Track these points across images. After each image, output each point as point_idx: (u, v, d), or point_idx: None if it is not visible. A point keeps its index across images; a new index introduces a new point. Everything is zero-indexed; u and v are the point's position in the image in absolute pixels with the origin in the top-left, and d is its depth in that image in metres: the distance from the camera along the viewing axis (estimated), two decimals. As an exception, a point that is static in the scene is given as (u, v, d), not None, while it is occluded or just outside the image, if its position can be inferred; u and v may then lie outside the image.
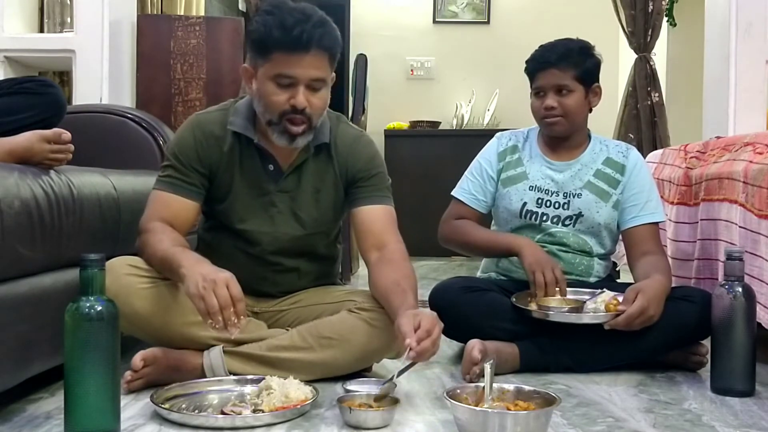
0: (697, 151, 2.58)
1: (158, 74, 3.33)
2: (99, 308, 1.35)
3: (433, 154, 5.31)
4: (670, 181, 2.65)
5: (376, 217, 1.87)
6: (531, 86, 2.16)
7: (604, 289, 1.99)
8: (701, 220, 2.35)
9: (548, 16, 5.60)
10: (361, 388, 1.61)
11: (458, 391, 1.50)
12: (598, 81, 2.16)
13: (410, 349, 1.49)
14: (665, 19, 4.98)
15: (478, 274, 2.33)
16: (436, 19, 5.82)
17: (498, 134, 2.28)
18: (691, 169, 2.53)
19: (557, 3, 5.70)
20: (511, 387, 1.52)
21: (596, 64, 2.14)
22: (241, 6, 5.45)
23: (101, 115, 2.48)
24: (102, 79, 3.18)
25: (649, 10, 4.66)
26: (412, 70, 5.82)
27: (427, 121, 5.55)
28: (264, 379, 1.61)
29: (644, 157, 2.42)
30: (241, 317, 1.55)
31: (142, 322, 1.70)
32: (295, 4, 1.75)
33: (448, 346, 2.22)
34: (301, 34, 1.68)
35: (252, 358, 1.74)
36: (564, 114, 2.11)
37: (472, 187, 2.22)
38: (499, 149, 2.23)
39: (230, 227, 1.89)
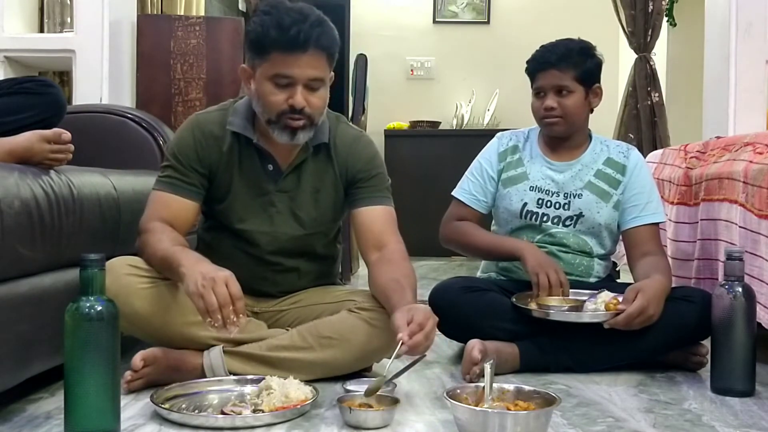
0: (697, 151, 2.58)
1: (158, 74, 3.32)
2: (99, 308, 1.35)
3: (433, 154, 5.31)
4: (670, 181, 2.65)
5: (376, 218, 1.87)
6: (531, 86, 2.16)
7: (604, 289, 1.98)
8: (701, 220, 2.35)
9: (548, 16, 5.60)
10: (361, 388, 1.61)
11: (458, 391, 1.50)
12: (598, 82, 2.15)
13: (402, 343, 1.49)
14: (665, 19, 4.98)
15: (479, 274, 2.33)
16: (436, 19, 5.82)
17: (498, 134, 2.28)
18: (691, 169, 2.53)
19: (557, 3, 5.70)
20: (511, 387, 1.52)
21: (597, 65, 2.13)
22: (241, 6, 5.45)
23: (101, 115, 2.48)
24: (102, 79, 3.18)
25: (649, 10, 4.66)
26: (412, 70, 5.82)
27: (427, 121, 5.55)
28: (264, 379, 1.61)
29: (644, 157, 2.41)
30: (241, 316, 1.55)
31: (142, 322, 1.70)
32: (293, 4, 1.75)
33: (448, 346, 2.23)
34: (299, 34, 1.68)
35: (252, 358, 1.74)
36: (564, 115, 2.11)
37: (473, 187, 2.22)
38: (499, 149, 2.23)
39: (230, 227, 1.89)
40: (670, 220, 2.57)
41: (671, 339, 1.95)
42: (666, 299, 1.91)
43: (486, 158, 2.23)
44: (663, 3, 4.74)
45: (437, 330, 2.06)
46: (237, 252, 1.90)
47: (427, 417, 1.57)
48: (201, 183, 1.84)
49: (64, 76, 3.59)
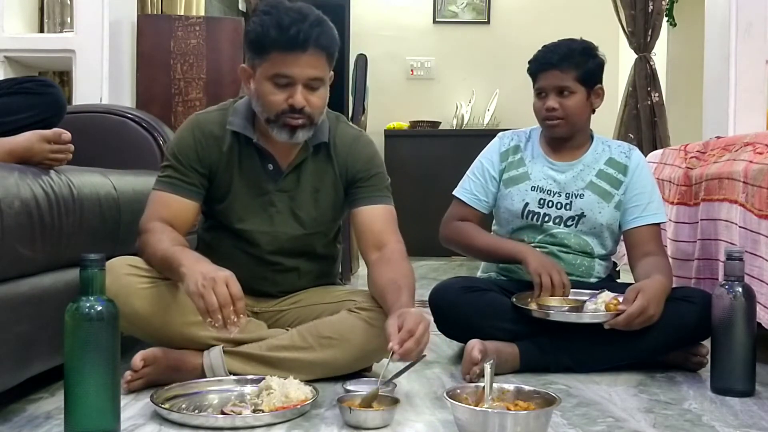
0: (697, 151, 2.58)
1: (158, 74, 3.32)
2: (99, 308, 1.35)
3: (433, 154, 5.31)
4: (670, 181, 2.65)
5: (376, 217, 1.87)
6: (533, 86, 2.15)
7: (605, 289, 1.98)
8: (701, 220, 2.35)
9: (548, 16, 5.60)
10: (361, 388, 1.61)
11: (458, 391, 1.50)
12: (600, 82, 2.15)
13: (393, 351, 1.49)
14: (665, 19, 4.98)
15: (479, 274, 2.33)
16: (436, 19, 5.82)
17: (500, 134, 2.28)
18: (691, 169, 2.53)
19: (557, 3, 5.70)
20: (511, 387, 1.52)
21: (599, 65, 2.13)
22: (241, 6, 5.45)
23: (101, 115, 2.48)
24: (102, 79, 3.17)
25: (649, 10, 4.66)
26: (412, 70, 5.82)
27: (427, 121, 5.55)
28: (264, 379, 1.61)
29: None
30: (241, 316, 1.55)
31: (142, 322, 1.70)
32: (292, 3, 1.75)
33: (448, 346, 2.23)
34: (298, 34, 1.68)
35: (252, 358, 1.74)
36: (565, 116, 2.10)
37: (474, 187, 2.22)
38: (501, 149, 2.23)
39: (229, 227, 1.89)
40: (670, 220, 2.57)
41: (671, 339, 1.95)
42: (666, 299, 1.91)
43: (487, 158, 2.23)
44: (663, 3, 4.74)
45: (437, 330, 2.09)
46: (237, 252, 1.90)
47: (427, 417, 1.57)
48: (201, 183, 1.84)
49: (64, 76, 3.59)
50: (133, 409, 1.58)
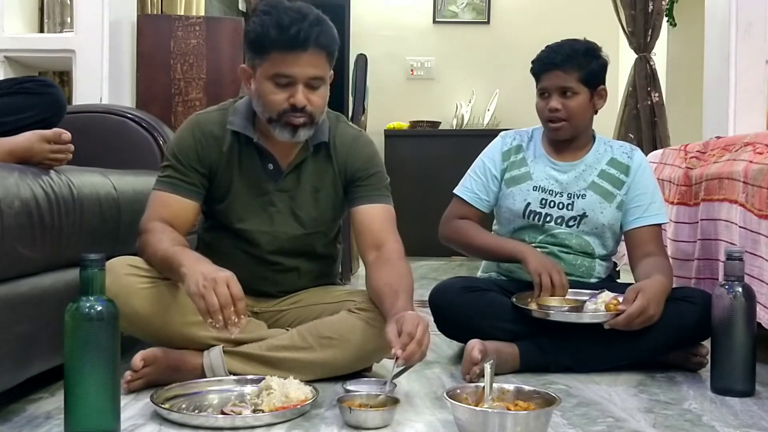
0: (697, 151, 2.58)
1: (158, 74, 3.32)
2: (99, 308, 1.35)
3: (433, 154, 5.31)
4: (670, 181, 2.65)
5: (375, 217, 1.87)
6: (536, 86, 2.15)
7: (605, 289, 1.98)
8: (701, 220, 2.35)
9: (548, 16, 5.60)
10: (361, 388, 1.61)
11: (458, 391, 1.50)
12: (603, 83, 2.14)
13: (397, 357, 1.50)
14: (665, 19, 4.98)
15: (479, 274, 2.33)
16: (436, 19, 5.82)
17: (502, 133, 2.27)
18: (691, 169, 2.53)
19: (557, 3, 5.70)
20: (511, 387, 1.52)
21: (602, 66, 2.12)
22: (241, 6, 5.45)
23: (101, 115, 2.48)
24: (102, 79, 3.18)
25: (649, 10, 4.66)
26: (412, 70, 5.82)
27: (427, 121, 5.55)
28: (264, 379, 1.60)
29: (644, 157, 2.41)
30: (242, 316, 1.55)
31: (142, 322, 1.70)
32: (292, 3, 1.75)
33: (448, 346, 2.23)
34: (298, 33, 1.68)
35: (252, 358, 1.74)
36: (568, 117, 2.10)
37: (475, 186, 2.21)
38: (503, 148, 2.22)
39: (230, 227, 1.89)
40: (670, 220, 2.57)
41: (671, 339, 1.95)
42: (666, 299, 1.91)
43: (489, 157, 2.23)
44: (663, 3, 4.74)
45: (437, 330, 2.09)
46: (237, 252, 1.90)
47: (427, 417, 1.57)
48: (201, 183, 1.84)
49: (64, 76, 3.59)
50: (133, 409, 1.58)
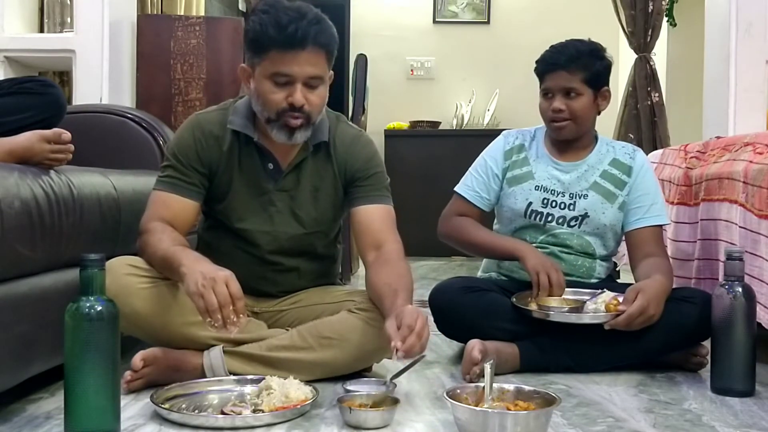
0: (697, 151, 2.58)
1: (158, 74, 3.32)
2: (99, 308, 1.35)
3: (433, 154, 5.31)
4: (670, 181, 2.65)
5: (374, 217, 1.87)
6: (540, 86, 2.15)
7: (605, 290, 1.99)
8: (701, 220, 2.35)
9: (548, 16, 5.60)
10: (361, 388, 1.61)
11: (458, 391, 1.50)
12: (607, 84, 2.14)
13: (397, 350, 1.49)
14: (665, 19, 4.98)
15: (479, 274, 2.33)
16: (436, 19, 5.82)
17: (505, 132, 2.27)
18: (691, 169, 2.53)
19: (557, 3, 5.70)
20: (511, 387, 1.52)
21: (606, 67, 2.12)
22: (241, 6, 5.46)
23: (101, 115, 2.48)
24: (102, 79, 3.18)
25: (649, 10, 4.66)
26: (412, 70, 5.82)
27: (427, 121, 5.55)
28: (264, 379, 1.60)
29: (644, 157, 2.41)
30: (241, 316, 1.55)
31: (142, 322, 1.70)
32: (290, 2, 1.75)
33: (448, 346, 2.23)
34: (296, 32, 1.68)
35: (252, 358, 1.74)
36: (571, 117, 2.10)
37: (476, 184, 2.21)
38: (505, 147, 2.22)
39: (229, 227, 1.89)
40: (670, 220, 2.57)
41: (671, 339, 1.95)
42: (666, 300, 1.91)
43: (491, 155, 2.23)
44: (663, 3, 4.74)
45: (437, 330, 2.09)
46: (237, 251, 1.90)
47: (427, 417, 1.57)
48: (201, 183, 1.84)
49: (64, 76, 3.59)
50: (133, 409, 1.58)
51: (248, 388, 1.63)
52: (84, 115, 2.43)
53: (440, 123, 5.61)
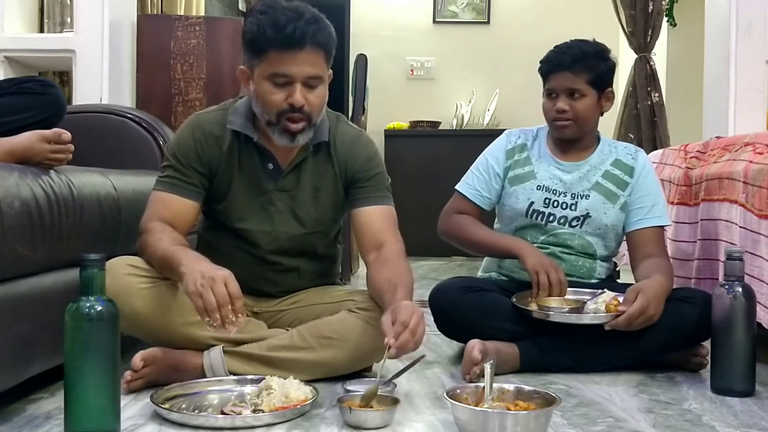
0: (697, 151, 2.58)
1: (158, 74, 3.32)
2: (99, 308, 1.35)
3: (433, 154, 5.31)
4: (670, 181, 2.65)
5: (375, 218, 1.87)
6: (543, 86, 2.15)
7: (605, 290, 1.99)
8: (701, 220, 2.35)
9: (548, 16, 5.60)
10: (361, 388, 1.61)
11: (458, 391, 1.50)
12: (611, 86, 2.14)
13: (389, 346, 1.49)
14: (665, 19, 4.99)
15: (479, 273, 2.33)
16: (436, 19, 5.82)
17: (507, 131, 2.27)
18: (691, 169, 2.53)
19: (557, 3, 5.70)
20: (511, 387, 1.52)
21: (610, 69, 2.12)
22: (241, 6, 5.46)
23: (101, 115, 2.48)
24: (102, 79, 3.18)
25: (649, 10, 4.66)
26: (412, 70, 5.82)
27: (427, 121, 5.55)
28: (264, 379, 1.60)
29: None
30: (239, 315, 1.55)
31: (142, 322, 1.70)
32: (288, 2, 1.75)
33: (448, 346, 2.23)
34: (294, 32, 1.68)
35: (252, 358, 1.74)
36: (575, 118, 2.10)
37: (477, 183, 2.21)
38: (507, 147, 2.22)
39: (229, 227, 1.89)
40: (671, 220, 2.57)
41: (671, 340, 1.95)
42: (666, 300, 1.91)
43: (493, 154, 2.22)
44: (663, 3, 4.74)
45: (437, 330, 2.09)
46: (237, 251, 1.90)
47: (427, 417, 1.56)
48: (201, 183, 1.84)
49: (64, 76, 3.59)
50: (133, 409, 1.58)
51: (248, 388, 1.63)
52: (84, 115, 2.43)
53: (440, 123, 5.61)
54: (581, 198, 2.13)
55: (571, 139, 2.15)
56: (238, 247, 1.90)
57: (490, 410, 1.42)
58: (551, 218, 2.13)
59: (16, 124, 1.78)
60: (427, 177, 5.15)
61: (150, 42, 3.34)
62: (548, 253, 2.09)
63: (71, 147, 1.72)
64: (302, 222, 1.89)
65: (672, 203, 2.58)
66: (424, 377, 1.90)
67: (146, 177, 2.03)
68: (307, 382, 1.64)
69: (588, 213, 2.12)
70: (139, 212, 1.82)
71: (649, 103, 4.66)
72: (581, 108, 2.09)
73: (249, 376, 1.68)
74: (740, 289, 1.74)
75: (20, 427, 1.48)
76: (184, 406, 1.56)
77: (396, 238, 1.86)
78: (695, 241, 2.39)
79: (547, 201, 2.14)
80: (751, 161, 2.06)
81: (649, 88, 4.67)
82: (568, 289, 2.01)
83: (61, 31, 3.43)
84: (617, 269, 2.69)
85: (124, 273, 1.68)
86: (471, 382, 1.79)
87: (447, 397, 1.43)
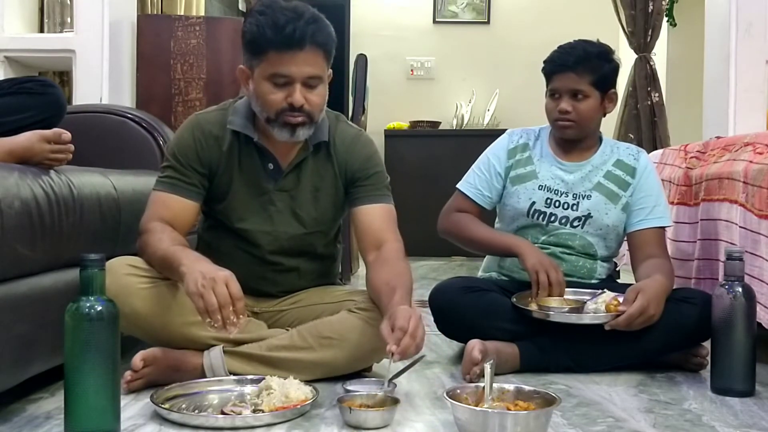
0: (697, 151, 2.58)
1: (158, 74, 3.32)
2: (99, 308, 1.35)
3: (433, 154, 5.31)
4: (670, 181, 2.65)
5: (375, 217, 1.88)
6: (546, 86, 2.15)
7: (605, 290, 1.98)
8: (701, 220, 2.35)
9: (548, 16, 5.60)
10: (361, 388, 1.61)
11: (458, 391, 1.50)
12: (614, 87, 2.14)
13: (392, 353, 1.49)
14: (665, 19, 4.98)
15: (479, 273, 2.33)
16: (436, 19, 5.82)
17: (509, 130, 2.27)
18: (691, 169, 2.53)
19: (557, 3, 5.70)
20: (511, 387, 1.52)
21: (614, 70, 2.12)
22: (241, 6, 5.46)
23: (101, 115, 2.48)
24: (102, 79, 3.18)
25: (649, 10, 4.66)
26: (412, 70, 5.82)
27: (427, 121, 5.55)
28: (264, 379, 1.61)
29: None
30: (240, 316, 1.55)
31: (142, 322, 1.70)
32: (287, 2, 1.75)
33: (448, 346, 2.23)
34: (294, 32, 1.68)
35: (252, 358, 1.74)
36: (578, 119, 2.10)
37: (478, 182, 2.21)
38: (509, 146, 2.22)
39: (230, 227, 1.89)
40: (672, 221, 2.57)
41: (671, 340, 1.95)
42: (666, 300, 1.91)
43: (494, 154, 2.22)
44: (663, 3, 4.74)
45: (437, 330, 2.09)
46: (237, 251, 1.90)
47: (427, 417, 1.57)
48: (201, 183, 1.84)
49: (64, 76, 3.59)
50: (133, 409, 1.58)
51: (248, 388, 1.63)
52: (84, 115, 2.43)
53: (440, 123, 5.61)
54: (583, 198, 2.13)
55: (573, 139, 2.15)
56: (238, 247, 1.90)
57: (490, 410, 1.42)
58: (552, 218, 2.13)
59: (16, 124, 1.78)
60: (427, 177, 5.15)
61: (150, 42, 3.34)
62: (549, 253, 2.09)
63: (71, 147, 1.72)
64: (302, 222, 1.89)
65: (672, 203, 2.58)
66: (424, 377, 1.90)
67: (146, 177, 2.03)
68: (307, 382, 1.64)
69: (589, 213, 2.12)
70: (139, 212, 1.82)
71: (649, 103, 4.66)
72: (584, 109, 2.09)
73: (249, 376, 1.68)
74: (740, 289, 1.74)
75: (20, 427, 1.48)
76: (184, 406, 1.56)
77: (396, 236, 1.86)
78: (695, 241, 2.39)
79: (548, 201, 2.14)
80: (751, 161, 2.06)
81: (649, 88, 4.67)
82: (568, 289, 2.02)
83: (61, 31, 3.43)
84: (617, 269, 2.69)
85: (124, 273, 1.68)
86: (471, 382, 1.79)
87: (447, 397, 1.43)
